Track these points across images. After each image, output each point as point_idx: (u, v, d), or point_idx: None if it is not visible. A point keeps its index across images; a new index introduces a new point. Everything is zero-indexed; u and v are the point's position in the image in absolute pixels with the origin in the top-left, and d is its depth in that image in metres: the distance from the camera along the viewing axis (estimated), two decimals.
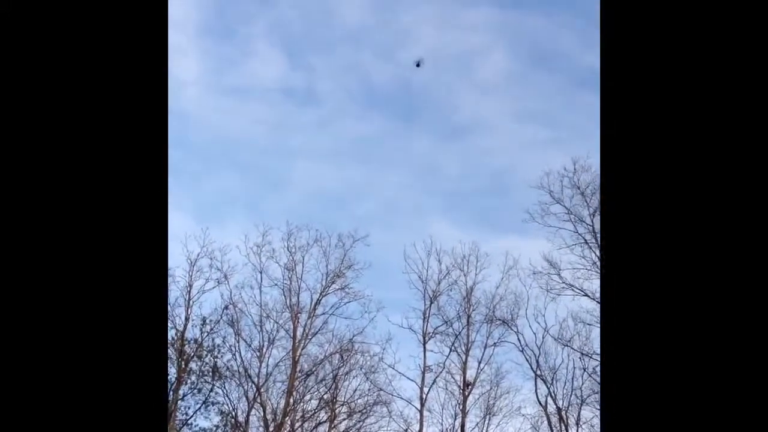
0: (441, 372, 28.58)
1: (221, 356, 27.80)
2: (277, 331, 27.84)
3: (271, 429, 26.23)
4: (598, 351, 27.00)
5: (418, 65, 32.66)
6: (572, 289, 27.31)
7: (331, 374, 28.24)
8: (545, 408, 27.79)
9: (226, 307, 27.70)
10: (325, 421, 27.94)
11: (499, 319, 29.16)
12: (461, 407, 27.98)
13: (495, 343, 28.98)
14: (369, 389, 28.31)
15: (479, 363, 28.83)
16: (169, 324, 25.26)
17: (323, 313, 28.41)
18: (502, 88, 55.46)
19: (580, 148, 49.73)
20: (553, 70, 56.65)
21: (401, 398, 28.25)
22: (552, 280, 27.74)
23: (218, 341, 27.93)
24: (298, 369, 27.44)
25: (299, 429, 27.56)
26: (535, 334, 28.50)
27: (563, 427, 27.51)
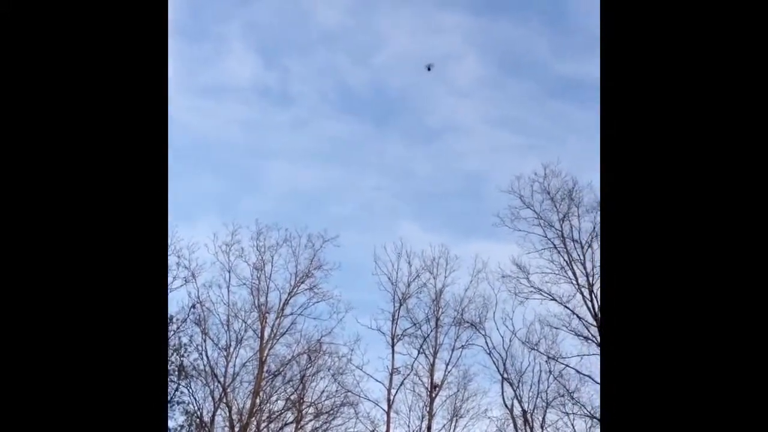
0: (409, 374, 28.65)
1: (187, 355, 27.39)
2: (245, 330, 27.61)
3: (236, 429, 25.95)
4: (564, 355, 27.36)
5: (429, 69, 33.50)
6: (540, 293, 27.61)
7: (299, 375, 28.09)
8: (511, 411, 28.00)
9: (193, 306, 27.36)
10: (291, 422, 27.73)
11: (468, 322, 29.34)
12: (428, 409, 28.04)
13: (463, 346, 29.16)
14: (336, 390, 28.23)
15: (447, 365, 28.99)
16: None
17: (291, 313, 28.29)
18: (475, 93, 55.98)
19: (550, 154, 50.31)
20: (524, 76, 57.41)
21: (369, 400, 28.25)
22: (520, 283, 28.03)
23: (185, 340, 27.51)
24: (265, 369, 27.23)
25: (265, 429, 27.33)
26: (502, 337, 28.76)
27: (528, 430, 27.73)
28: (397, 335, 29.14)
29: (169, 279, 26.96)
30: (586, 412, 26.60)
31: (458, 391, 28.80)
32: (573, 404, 27.09)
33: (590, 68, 52.30)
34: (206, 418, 26.44)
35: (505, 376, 28.31)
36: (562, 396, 27.46)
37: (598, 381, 25.56)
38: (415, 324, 29.40)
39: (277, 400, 27.87)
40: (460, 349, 29.09)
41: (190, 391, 26.99)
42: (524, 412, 27.87)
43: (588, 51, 53.77)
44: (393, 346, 28.91)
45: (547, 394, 27.91)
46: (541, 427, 27.77)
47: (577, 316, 26.80)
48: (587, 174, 42.45)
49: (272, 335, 27.78)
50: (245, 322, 27.68)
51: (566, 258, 27.31)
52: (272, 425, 27.55)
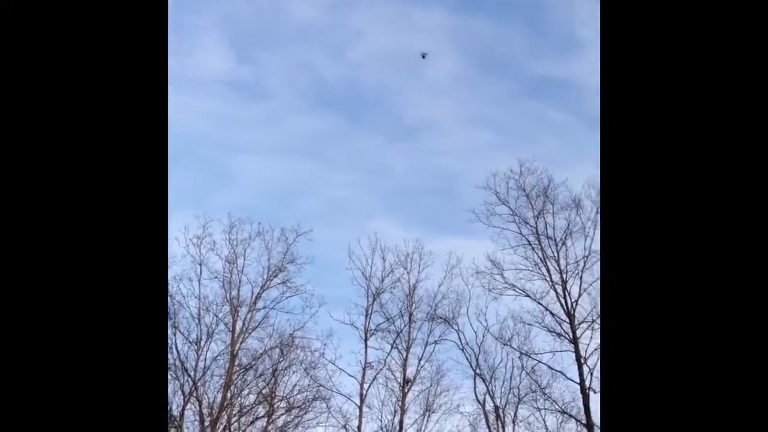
0: (381, 369, 28.61)
1: None
2: (216, 324, 27.27)
3: (207, 423, 25.66)
4: (537, 351, 27.49)
5: (423, 57, 34.92)
6: (514, 290, 27.71)
7: (271, 369, 27.87)
8: (483, 406, 28.10)
9: None
10: (263, 416, 27.54)
11: (441, 318, 29.34)
12: (400, 404, 28.02)
13: (436, 341, 29.19)
14: (308, 384, 28.13)
15: (419, 360, 28.99)
16: None
17: (264, 307, 28.03)
18: (452, 91, 56.14)
19: (525, 153, 50.45)
20: (501, 76, 57.81)
21: (341, 394, 28.17)
22: (494, 279, 28.09)
23: None
24: (236, 363, 26.95)
25: (236, 423, 27.08)
26: (475, 332, 28.84)
27: (500, 425, 27.85)
28: (370, 330, 29.08)
29: None
30: (557, 407, 26.79)
31: (431, 386, 28.88)
32: (545, 400, 27.28)
33: (566, 68, 52.75)
34: (176, 413, 26.08)
35: (478, 371, 28.42)
36: (534, 392, 27.63)
37: (570, 377, 25.76)
38: (388, 319, 29.39)
39: (248, 394, 27.66)
40: (433, 345, 29.14)
41: None
42: (496, 407, 27.99)
43: (564, 51, 54.20)
44: (366, 340, 28.85)
45: (519, 390, 28.10)
46: (513, 422, 27.93)
47: (551, 312, 26.96)
48: (561, 173, 42.81)
49: (244, 329, 27.50)
50: (216, 316, 27.39)
51: (540, 255, 27.46)
52: (243, 419, 27.32)
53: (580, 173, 55.59)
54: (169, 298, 26.87)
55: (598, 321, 25.97)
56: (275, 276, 28.21)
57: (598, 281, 26.44)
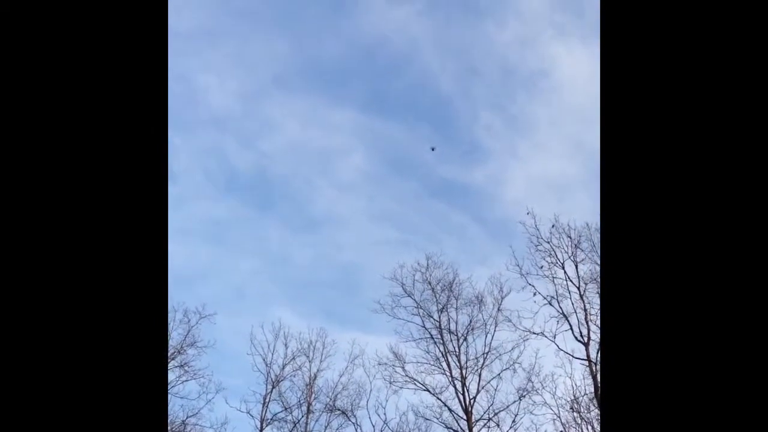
0: None
1: None
2: None
3: None
4: None
5: (433, 149, 40.15)
6: (414, 383, 27.80)
7: None
8: None
9: None
10: None
11: (339, 409, 28.95)
12: None
13: None
14: None
15: None
16: None
17: None
18: (358, 187, 57.42)
19: (427, 251, 51.65)
20: (407, 176, 59.74)
21: None
22: (396, 372, 28.14)
23: None
24: None
25: None
26: (373, 426, 28.49)
27: None
28: (267, 419, 28.30)
29: None
30: None
31: None
32: None
33: (468, 174, 55.14)
34: None
35: None
36: None
37: None
38: (286, 408, 28.73)
39: None
40: None
41: None
42: None
43: (466, 158, 56.83)
44: (261, 430, 28.00)
45: None
46: None
47: (448, 408, 27.13)
48: (461, 274, 43.95)
49: None
50: None
51: (442, 349, 27.83)
52: None
53: (480, 276, 57.32)
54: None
55: (495, 419, 26.43)
56: (173, 358, 27.31)
57: (496, 379, 27.11)
